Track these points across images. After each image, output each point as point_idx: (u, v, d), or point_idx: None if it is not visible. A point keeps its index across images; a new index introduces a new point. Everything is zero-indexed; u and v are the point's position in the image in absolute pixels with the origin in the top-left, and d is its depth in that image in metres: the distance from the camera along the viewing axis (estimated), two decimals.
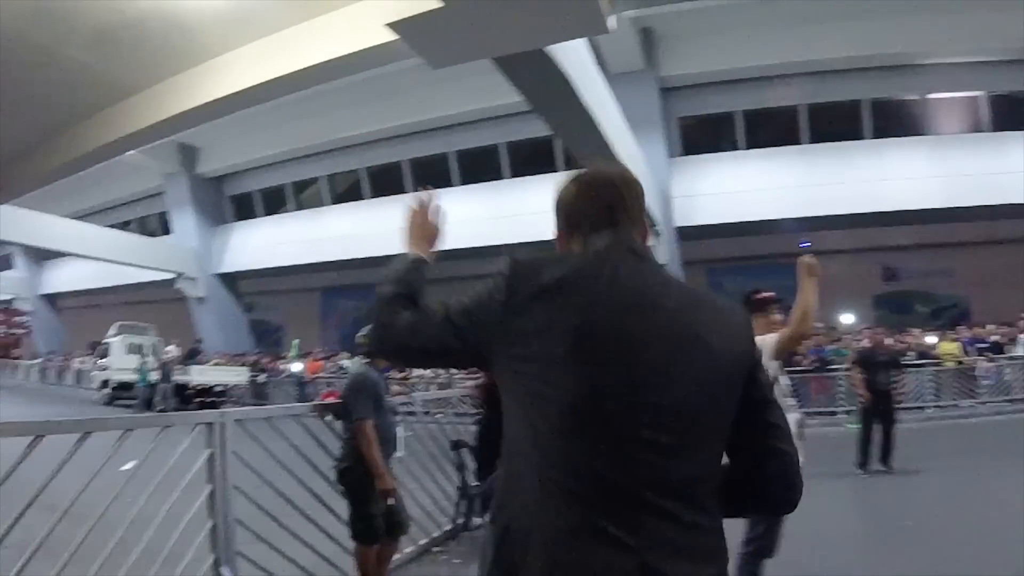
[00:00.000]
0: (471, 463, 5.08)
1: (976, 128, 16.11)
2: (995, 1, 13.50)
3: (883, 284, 17.68)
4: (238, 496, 3.17)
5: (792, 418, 2.16)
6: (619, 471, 1.01)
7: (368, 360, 3.75)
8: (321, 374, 17.83)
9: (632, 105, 12.89)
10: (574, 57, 8.05)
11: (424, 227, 1.43)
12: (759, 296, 3.25)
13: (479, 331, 1.12)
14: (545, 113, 9.12)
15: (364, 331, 3.85)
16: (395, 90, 17.78)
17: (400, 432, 4.34)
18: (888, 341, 10.82)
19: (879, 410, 7.32)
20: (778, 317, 3.10)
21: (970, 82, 15.89)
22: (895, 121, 16.24)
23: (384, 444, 3.52)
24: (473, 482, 5.02)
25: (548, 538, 1.01)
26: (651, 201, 14.20)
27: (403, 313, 1.20)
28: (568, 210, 1.23)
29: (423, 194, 1.47)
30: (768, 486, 1.15)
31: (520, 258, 1.14)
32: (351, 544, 3.52)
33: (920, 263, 17.24)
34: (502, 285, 1.11)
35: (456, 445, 5.19)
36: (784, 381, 3.18)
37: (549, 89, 8.06)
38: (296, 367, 18.75)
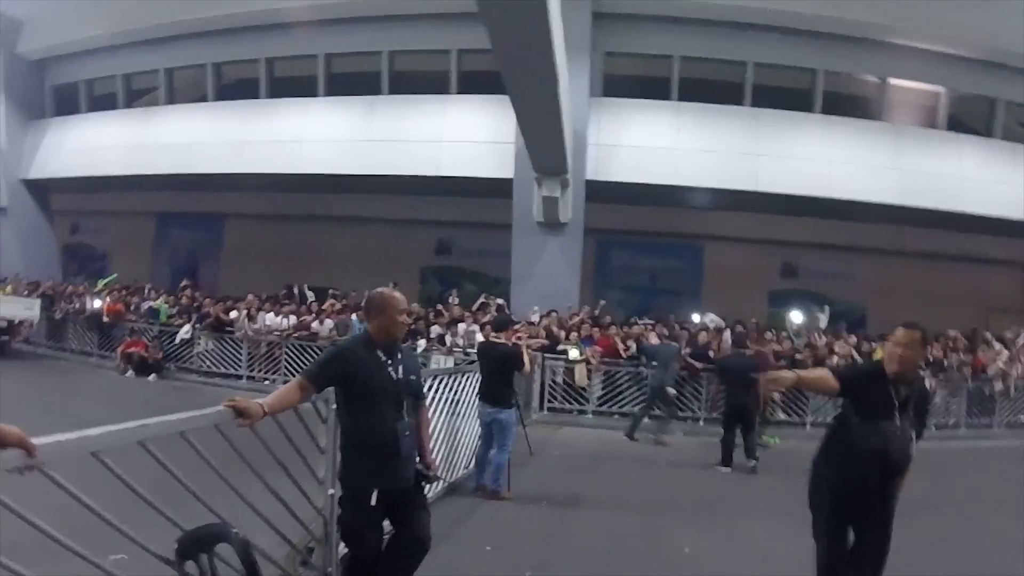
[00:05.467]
0: None
1: (932, 124, 13.59)
2: None
3: (780, 280, 15.40)
4: None
5: None
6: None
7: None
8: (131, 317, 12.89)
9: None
10: None
11: None
12: None
13: None
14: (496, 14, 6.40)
15: None
16: None
17: None
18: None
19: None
20: None
21: (932, 75, 13.39)
22: (848, 100, 13.37)
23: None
24: None
25: None
26: (566, 144, 10.41)
27: None
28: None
29: None
30: None
31: None
32: None
33: (821, 263, 15.23)
34: None
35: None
36: None
37: None
38: (97, 304, 13.82)
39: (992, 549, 4.51)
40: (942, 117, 13.70)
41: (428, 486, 2.89)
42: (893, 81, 13.48)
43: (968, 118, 13.90)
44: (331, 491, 3.07)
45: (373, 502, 2.59)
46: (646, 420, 8.65)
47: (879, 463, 2.73)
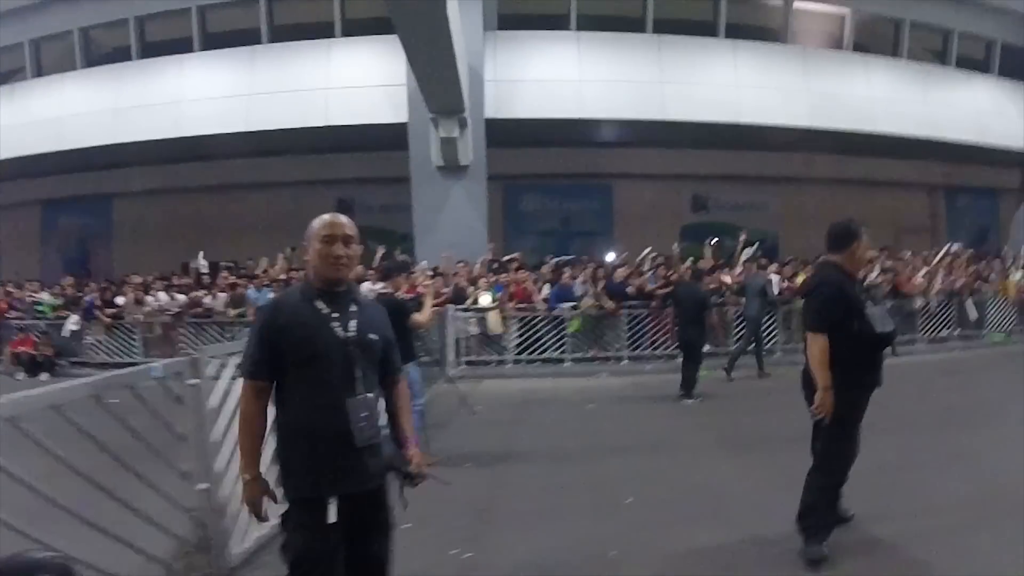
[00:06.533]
0: None
1: (839, 46, 13.44)
2: None
3: (691, 214, 15.15)
4: None
5: None
6: None
7: None
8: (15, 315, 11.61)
9: None
10: None
11: None
12: None
13: None
14: None
15: None
16: None
17: None
18: None
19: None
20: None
21: None
22: (753, 25, 12.99)
23: None
24: None
25: None
26: (461, 81, 9.64)
27: None
28: None
29: None
30: None
31: None
32: None
33: (731, 194, 15.10)
34: None
35: None
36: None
37: None
38: None
39: (935, 463, 4.28)
40: (849, 39, 13.52)
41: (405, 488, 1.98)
42: (798, 4, 13.16)
43: (875, 39, 13.76)
44: (201, 486, 2.68)
45: (331, 518, 1.78)
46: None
47: (884, 344, 2.87)
